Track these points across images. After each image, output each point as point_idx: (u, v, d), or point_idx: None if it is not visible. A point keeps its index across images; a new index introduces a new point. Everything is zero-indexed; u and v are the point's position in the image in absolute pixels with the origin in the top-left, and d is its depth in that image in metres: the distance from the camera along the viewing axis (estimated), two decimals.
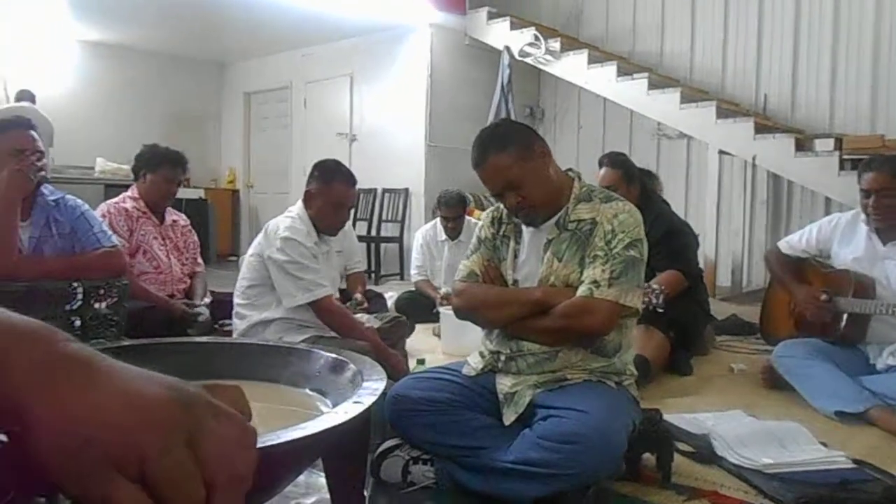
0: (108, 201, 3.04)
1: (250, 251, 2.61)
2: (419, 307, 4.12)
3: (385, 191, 7.11)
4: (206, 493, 0.41)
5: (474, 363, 1.86)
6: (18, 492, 0.48)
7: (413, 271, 4.52)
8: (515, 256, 1.86)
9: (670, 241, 3.06)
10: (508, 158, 1.73)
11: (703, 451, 1.98)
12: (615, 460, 1.52)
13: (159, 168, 3.07)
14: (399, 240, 6.80)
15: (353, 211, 7.34)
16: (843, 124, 5.80)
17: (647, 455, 1.85)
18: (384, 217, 7.10)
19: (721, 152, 5.71)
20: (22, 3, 6.36)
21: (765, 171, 5.91)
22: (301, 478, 1.71)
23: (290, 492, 1.68)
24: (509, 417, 1.72)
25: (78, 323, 2.42)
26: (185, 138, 8.59)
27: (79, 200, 2.56)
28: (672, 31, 6.81)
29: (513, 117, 6.26)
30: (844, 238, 2.70)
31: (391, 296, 4.38)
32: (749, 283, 6.04)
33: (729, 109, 5.77)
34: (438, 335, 3.68)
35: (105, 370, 0.41)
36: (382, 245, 6.92)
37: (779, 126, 5.77)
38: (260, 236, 2.57)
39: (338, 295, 2.87)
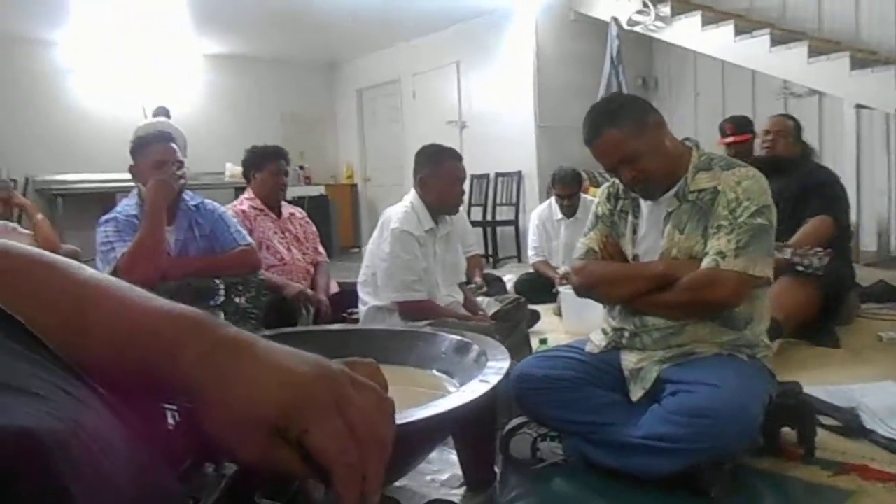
0: (228, 205, 3.21)
1: (371, 241, 2.72)
2: (539, 288, 4.12)
3: (498, 175, 7.13)
4: None
5: (597, 340, 1.85)
6: (194, 460, 0.55)
7: (530, 252, 4.52)
8: (635, 231, 1.83)
9: (825, 189, 3.11)
10: (621, 133, 1.71)
11: (851, 425, 1.87)
12: (749, 434, 1.47)
13: (264, 164, 3.26)
14: (514, 223, 6.81)
15: (466, 195, 7.45)
16: None
17: (787, 430, 1.78)
18: (498, 201, 7.12)
19: (858, 106, 5.27)
20: (153, 24, 6.88)
21: None
22: (434, 454, 1.79)
23: (424, 468, 1.76)
24: (636, 393, 1.70)
25: (222, 317, 2.62)
26: (303, 138, 9.02)
27: (216, 203, 2.76)
28: None
29: (624, 90, 6.08)
30: None
31: (510, 278, 4.40)
32: None
33: (865, 59, 5.30)
34: (559, 315, 3.67)
35: (261, 351, 0.46)
36: (498, 229, 6.96)
37: None
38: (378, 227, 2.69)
39: (463, 279, 2.92)
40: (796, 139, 3.36)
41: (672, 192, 1.75)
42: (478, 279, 3.75)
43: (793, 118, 3.49)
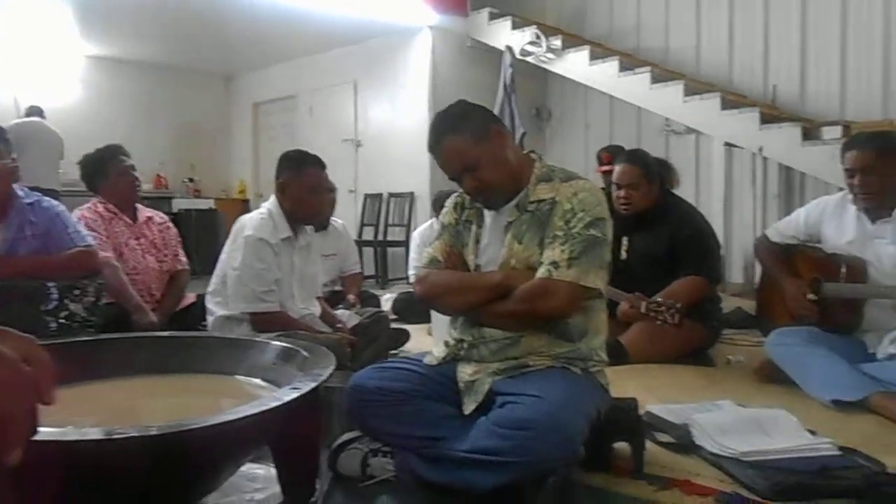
0: (80, 207, 2.93)
1: (223, 250, 2.59)
2: (417, 307, 4.07)
3: (391, 195, 7.09)
4: None
5: (437, 352, 1.80)
6: None
7: (411, 271, 4.48)
8: (478, 241, 1.80)
9: (696, 244, 2.99)
10: (463, 140, 1.69)
11: (682, 441, 1.90)
12: (570, 447, 1.45)
13: (107, 169, 2.99)
14: (405, 244, 6.77)
15: (358, 214, 7.33)
16: (854, 113, 5.62)
17: (622, 445, 1.78)
18: (390, 221, 7.08)
19: (727, 144, 5.59)
20: (31, 21, 6.47)
21: (776, 164, 5.78)
22: (260, 471, 1.68)
23: (244, 485, 1.65)
24: (469, 406, 1.66)
25: (54, 325, 2.40)
26: (194, 150, 8.70)
27: (54, 202, 2.55)
28: (677, 27, 6.70)
29: (516, 118, 6.20)
30: (833, 220, 2.59)
31: (388, 297, 4.34)
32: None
33: (735, 101, 5.65)
34: (432, 335, 3.62)
35: None
36: (389, 249, 6.90)
37: (787, 116, 5.63)
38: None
39: (320, 293, 2.83)
40: (650, 182, 3.03)
41: (513, 202, 1.74)
42: (351, 297, 3.66)
43: (639, 158, 3.12)
